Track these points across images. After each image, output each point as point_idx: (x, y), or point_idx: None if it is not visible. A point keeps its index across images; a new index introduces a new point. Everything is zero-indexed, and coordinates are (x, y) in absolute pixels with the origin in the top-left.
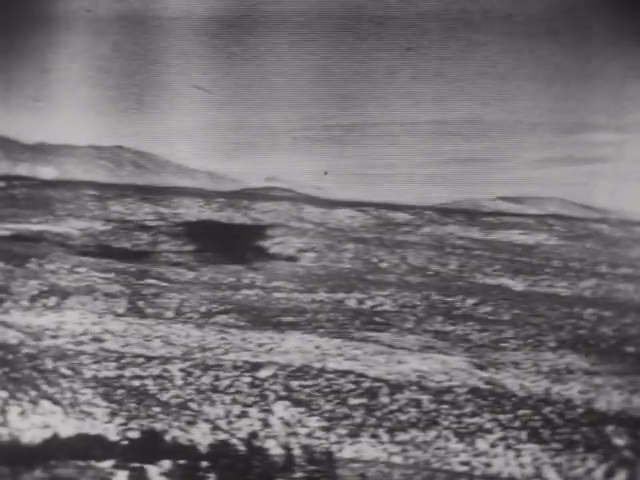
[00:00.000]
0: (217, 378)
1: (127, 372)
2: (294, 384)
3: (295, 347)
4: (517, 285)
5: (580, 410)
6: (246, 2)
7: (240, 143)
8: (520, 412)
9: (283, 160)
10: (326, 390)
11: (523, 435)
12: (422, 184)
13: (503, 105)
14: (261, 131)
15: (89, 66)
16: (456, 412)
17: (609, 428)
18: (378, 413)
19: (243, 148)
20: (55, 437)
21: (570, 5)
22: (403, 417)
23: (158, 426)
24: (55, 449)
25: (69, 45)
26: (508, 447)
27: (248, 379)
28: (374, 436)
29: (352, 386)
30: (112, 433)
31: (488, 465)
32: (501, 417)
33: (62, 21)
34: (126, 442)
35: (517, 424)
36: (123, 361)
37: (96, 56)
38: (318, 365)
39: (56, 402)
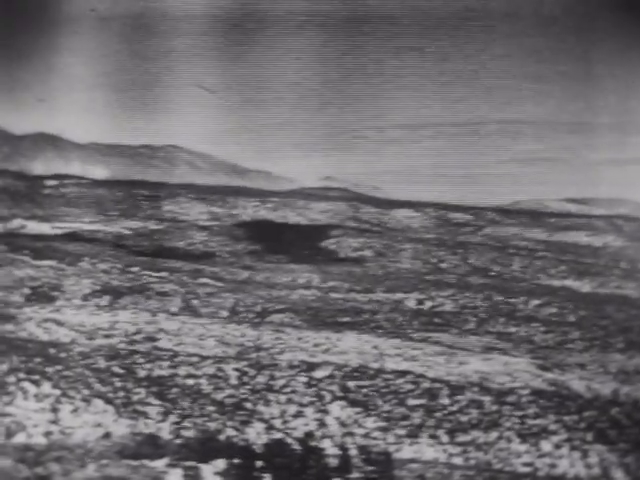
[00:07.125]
0: (272, 378)
1: (181, 371)
2: (351, 384)
3: (352, 347)
4: (583, 286)
5: None
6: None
7: (295, 143)
8: (586, 413)
9: (339, 160)
10: (384, 390)
11: (589, 436)
12: (483, 184)
13: (569, 105)
14: (317, 131)
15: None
16: (519, 413)
17: None
18: (438, 414)
19: (298, 148)
20: (107, 436)
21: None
22: (464, 418)
23: (212, 425)
24: (107, 448)
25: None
26: (573, 448)
27: (304, 379)
28: (433, 437)
29: (411, 386)
30: (165, 432)
31: (553, 466)
32: (566, 418)
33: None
34: (180, 441)
35: (583, 425)
36: (177, 360)
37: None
38: (375, 365)
39: (108, 401)
